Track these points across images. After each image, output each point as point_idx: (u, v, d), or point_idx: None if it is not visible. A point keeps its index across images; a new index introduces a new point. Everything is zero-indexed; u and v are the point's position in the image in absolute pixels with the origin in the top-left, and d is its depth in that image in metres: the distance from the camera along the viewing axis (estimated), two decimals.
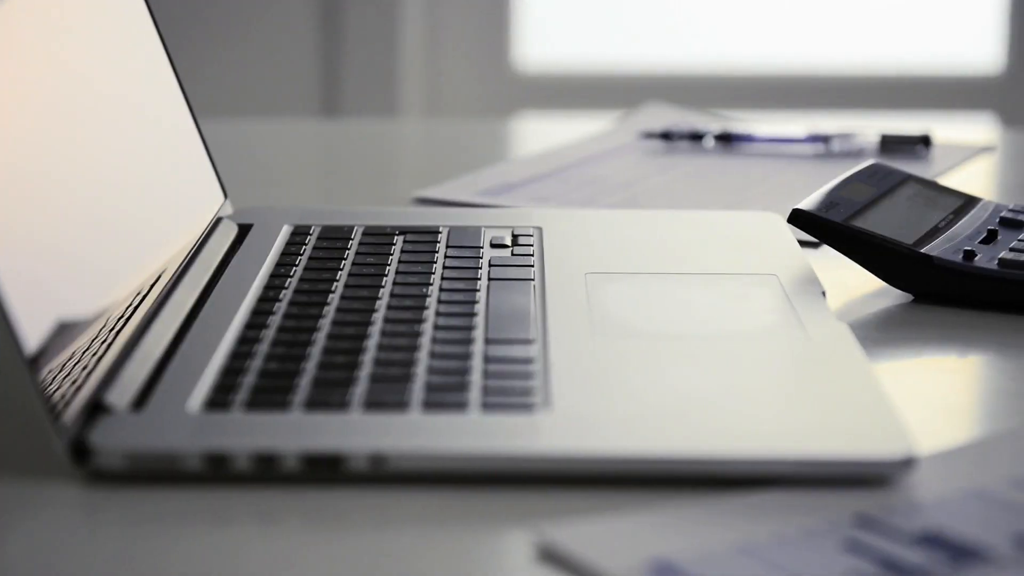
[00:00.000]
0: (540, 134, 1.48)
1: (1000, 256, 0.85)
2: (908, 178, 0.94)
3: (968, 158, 1.25)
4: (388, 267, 0.84)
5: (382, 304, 0.78)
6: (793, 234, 0.91)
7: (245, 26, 2.43)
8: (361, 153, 1.37)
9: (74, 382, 0.65)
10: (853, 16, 2.55)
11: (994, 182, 1.25)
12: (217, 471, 0.62)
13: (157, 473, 0.62)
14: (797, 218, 0.88)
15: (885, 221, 0.88)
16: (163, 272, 0.80)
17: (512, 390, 0.67)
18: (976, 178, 1.22)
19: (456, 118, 2.49)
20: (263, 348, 0.72)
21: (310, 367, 0.70)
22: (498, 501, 0.61)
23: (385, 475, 0.62)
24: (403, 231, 0.91)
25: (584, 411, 0.65)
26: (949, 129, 1.32)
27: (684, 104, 1.45)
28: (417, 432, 0.64)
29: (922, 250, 0.86)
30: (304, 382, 0.68)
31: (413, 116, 2.48)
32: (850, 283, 0.88)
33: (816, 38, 2.54)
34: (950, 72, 2.51)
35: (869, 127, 1.26)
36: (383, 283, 0.81)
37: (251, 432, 0.63)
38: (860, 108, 2.49)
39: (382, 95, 2.44)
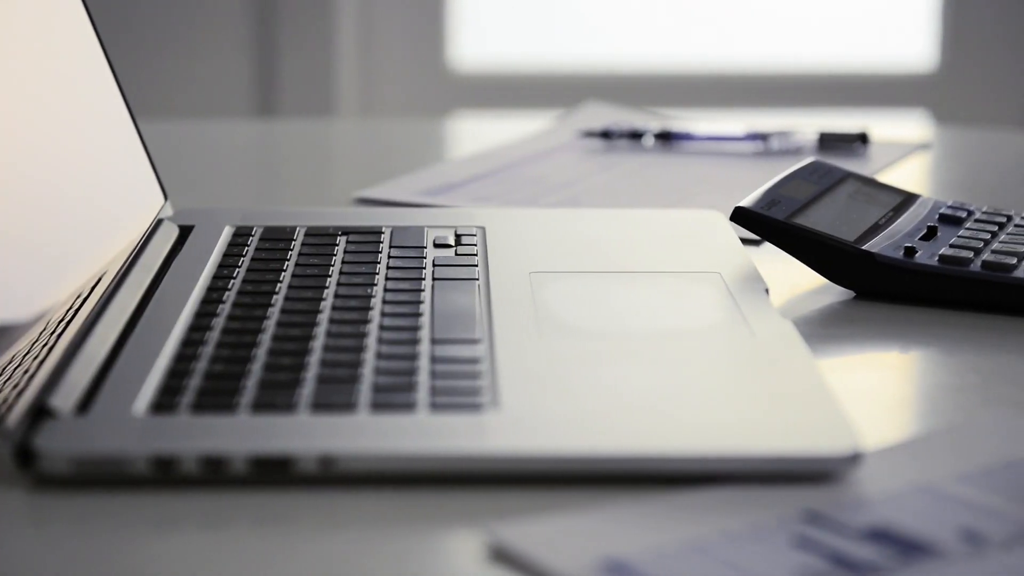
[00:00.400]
0: (477, 134, 1.48)
1: (940, 252, 0.85)
2: (848, 175, 0.95)
3: (905, 155, 1.26)
4: (332, 268, 0.84)
5: (327, 305, 0.78)
6: (735, 232, 0.92)
7: (180, 27, 2.42)
8: (299, 154, 1.37)
9: (16, 386, 0.64)
10: (788, 14, 2.56)
11: (930, 179, 1.26)
12: (164, 474, 0.61)
13: (104, 477, 0.61)
14: (739, 216, 0.88)
15: (826, 218, 0.88)
16: (104, 274, 0.79)
17: (460, 390, 0.67)
18: (913, 175, 1.23)
19: (393, 118, 2.49)
20: (208, 350, 0.72)
21: (256, 369, 0.69)
22: (448, 501, 0.61)
23: (334, 476, 0.62)
24: (346, 231, 0.91)
25: (533, 410, 0.65)
26: (884, 126, 1.33)
27: (622, 103, 1.45)
28: (366, 433, 0.63)
29: (863, 247, 0.86)
30: (250, 384, 0.68)
31: (349, 117, 2.48)
32: (792, 280, 0.89)
33: (752, 36, 2.56)
34: (884, 70, 2.53)
35: (807, 125, 1.27)
36: (327, 284, 0.81)
37: (198, 435, 0.63)
38: (796, 106, 2.50)
39: (318, 96, 2.44)
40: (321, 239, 0.89)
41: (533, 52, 2.54)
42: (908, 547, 0.57)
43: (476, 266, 0.85)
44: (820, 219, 0.88)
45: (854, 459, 0.62)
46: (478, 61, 2.54)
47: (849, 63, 2.52)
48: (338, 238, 0.90)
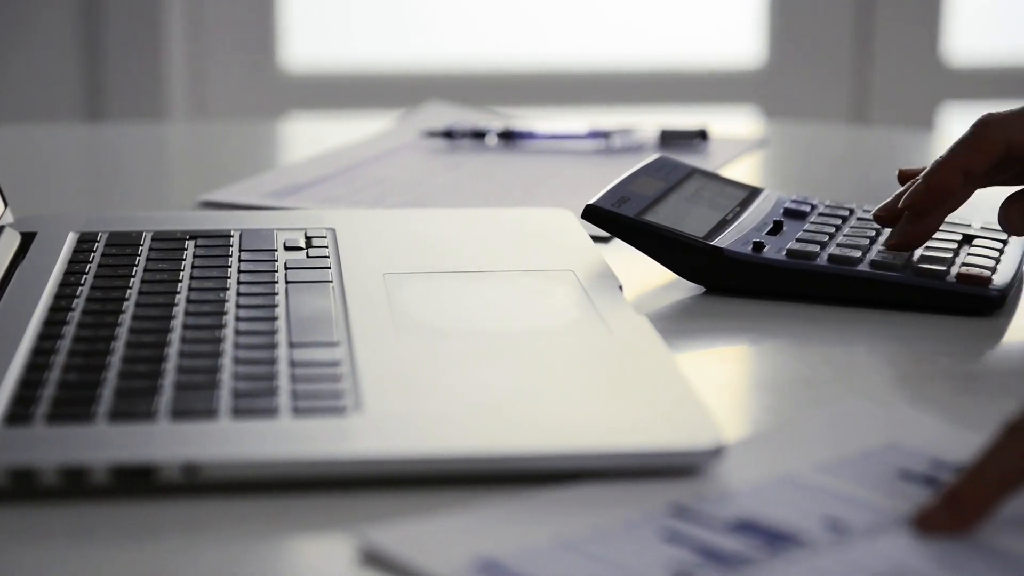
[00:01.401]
0: (314, 135, 1.46)
1: (788, 247, 0.87)
2: (694, 171, 0.96)
3: (744, 151, 1.28)
4: (182, 273, 0.83)
5: (179, 311, 0.77)
6: (585, 229, 0.92)
7: (1, 28, 2.37)
8: (134, 158, 1.34)
9: None
10: (622, 12, 2.58)
11: (767, 173, 1.28)
12: (23, 487, 0.60)
13: None
14: (590, 214, 0.88)
15: (675, 215, 0.89)
16: None
17: (322, 394, 0.66)
18: (751, 170, 1.25)
19: (226, 120, 2.46)
20: (60, 359, 0.70)
21: (111, 377, 0.68)
22: (317, 506, 0.60)
23: (199, 484, 0.61)
24: (193, 236, 0.90)
25: (396, 412, 0.65)
26: (717, 122, 1.35)
27: (460, 102, 1.45)
28: (229, 440, 0.63)
29: (713, 243, 0.87)
30: (107, 392, 0.66)
31: (179, 119, 2.44)
32: (643, 277, 0.89)
33: (587, 35, 2.57)
34: (716, 67, 2.56)
35: (646, 122, 1.28)
36: (178, 289, 0.80)
37: (56, 445, 0.62)
38: (633, 103, 2.52)
39: (147, 98, 2.40)
40: (169, 244, 0.88)
41: (365, 52, 2.53)
42: (774, 537, 0.57)
43: (329, 268, 0.84)
44: (669, 215, 0.89)
45: (717, 452, 0.63)
46: (309, 62, 2.52)
47: (682, 60, 2.55)
48: (186, 242, 0.88)
